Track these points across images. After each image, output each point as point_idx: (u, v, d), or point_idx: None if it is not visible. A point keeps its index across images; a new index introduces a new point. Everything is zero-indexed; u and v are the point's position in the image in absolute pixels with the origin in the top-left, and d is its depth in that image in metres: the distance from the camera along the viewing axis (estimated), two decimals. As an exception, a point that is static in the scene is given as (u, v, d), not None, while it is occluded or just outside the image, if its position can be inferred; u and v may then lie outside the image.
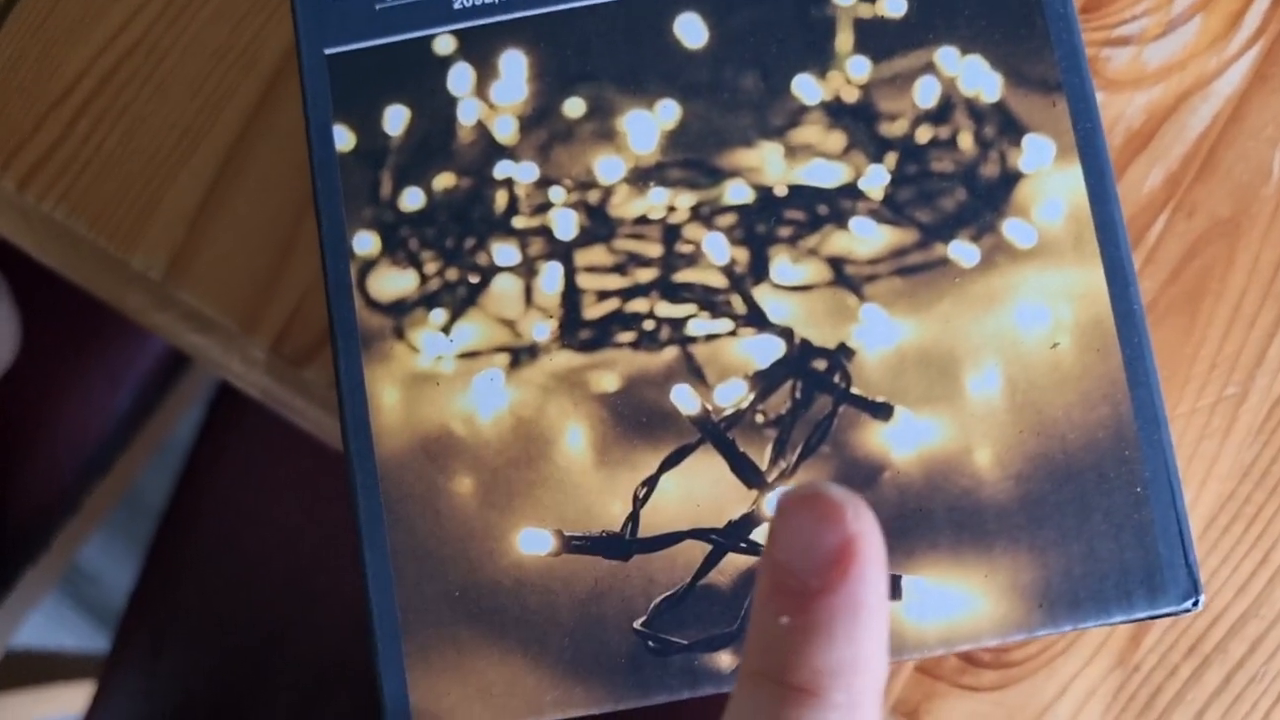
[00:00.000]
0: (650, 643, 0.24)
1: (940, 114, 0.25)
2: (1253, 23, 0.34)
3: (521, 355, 0.25)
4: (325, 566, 0.58)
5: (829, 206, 0.25)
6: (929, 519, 0.24)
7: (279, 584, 0.58)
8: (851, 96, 0.25)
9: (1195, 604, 0.24)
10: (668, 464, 0.24)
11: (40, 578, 0.69)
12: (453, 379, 0.25)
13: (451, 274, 0.25)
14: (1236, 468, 0.33)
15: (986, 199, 0.25)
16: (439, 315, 0.25)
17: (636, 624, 0.24)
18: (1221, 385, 0.34)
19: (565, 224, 0.25)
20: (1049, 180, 0.25)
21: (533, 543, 0.24)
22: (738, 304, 0.25)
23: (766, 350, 0.25)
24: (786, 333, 0.25)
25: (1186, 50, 0.34)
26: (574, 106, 0.25)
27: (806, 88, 0.25)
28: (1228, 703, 0.33)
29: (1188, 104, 0.34)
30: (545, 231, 0.25)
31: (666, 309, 0.25)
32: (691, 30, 0.25)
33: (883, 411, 0.24)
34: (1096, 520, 0.24)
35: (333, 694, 0.58)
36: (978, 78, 0.25)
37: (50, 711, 0.76)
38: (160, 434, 0.73)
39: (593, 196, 0.25)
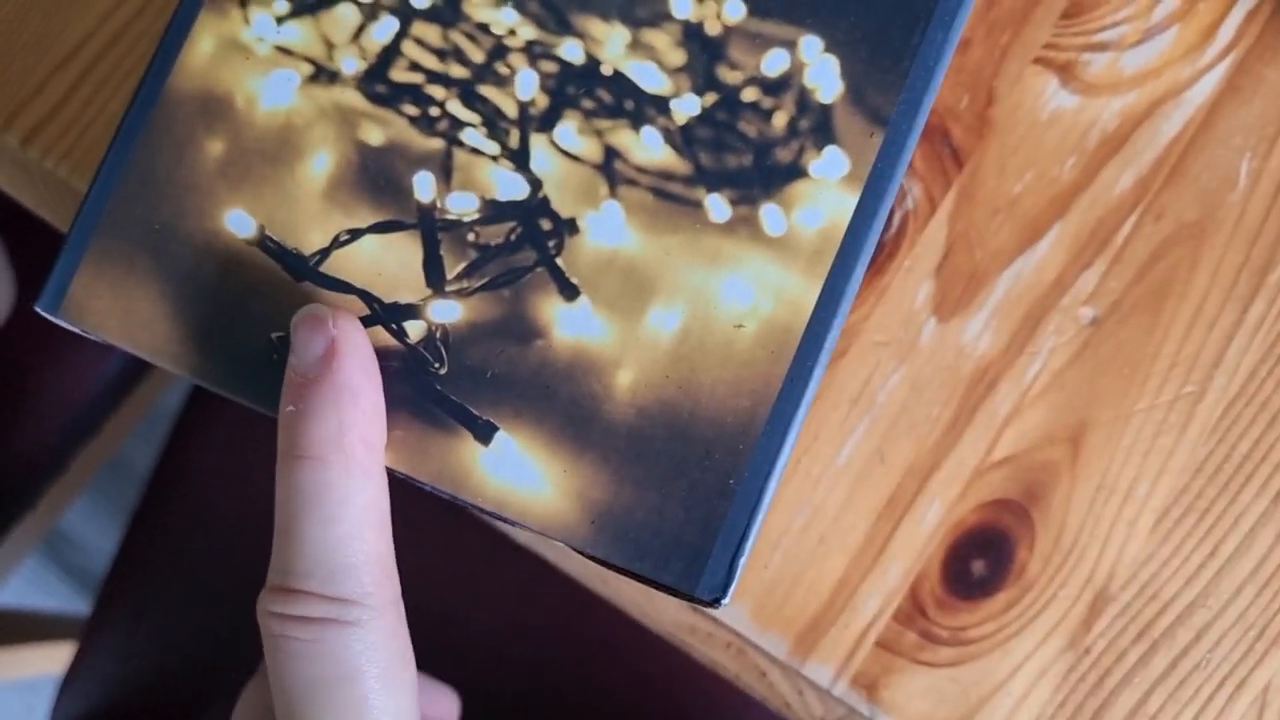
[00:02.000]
0: (275, 355, 0.26)
1: (773, 87, 0.26)
2: (1227, 35, 0.35)
3: (323, 75, 0.27)
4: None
5: (635, 104, 0.26)
6: (550, 398, 0.26)
7: (263, 548, 0.58)
8: (713, 29, 0.27)
9: (717, 602, 0.25)
10: (377, 228, 0.26)
11: (25, 536, 0.70)
12: (260, 61, 0.27)
13: (312, -20, 0.27)
14: (1191, 463, 0.34)
15: (764, 177, 0.26)
16: (281, 6, 0.27)
17: (274, 335, 0.26)
18: (1180, 383, 0.35)
19: (423, -6, 0.27)
20: (825, 192, 0.26)
21: (238, 223, 0.27)
22: (513, 138, 0.27)
23: (512, 187, 0.26)
24: (536, 183, 0.26)
25: (1162, 58, 0.35)
26: (492, -93, 0.27)
27: (681, 1, 0.27)
28: (1172, 687, 0.34)
29: (1161, 110, 0.35)
30: (404, -10, 0.27)
31: (456, 108, 0.27)
32: (625, -97, 0.27)
33: (570, 291, 0.26)
34: (681, 485, 0.25)
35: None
36: (824, 76, 0.26)
37: (31, 670, 0.78)
38: (150, 397, 0.74)
39: (458, -15, 0.27)
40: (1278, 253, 0.35)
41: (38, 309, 0.27)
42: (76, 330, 0.27)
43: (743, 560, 0.25)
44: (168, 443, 0.61)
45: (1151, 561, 0.34)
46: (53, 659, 0.77)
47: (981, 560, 0.35)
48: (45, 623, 0.81)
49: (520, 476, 0.26)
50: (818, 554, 0.35)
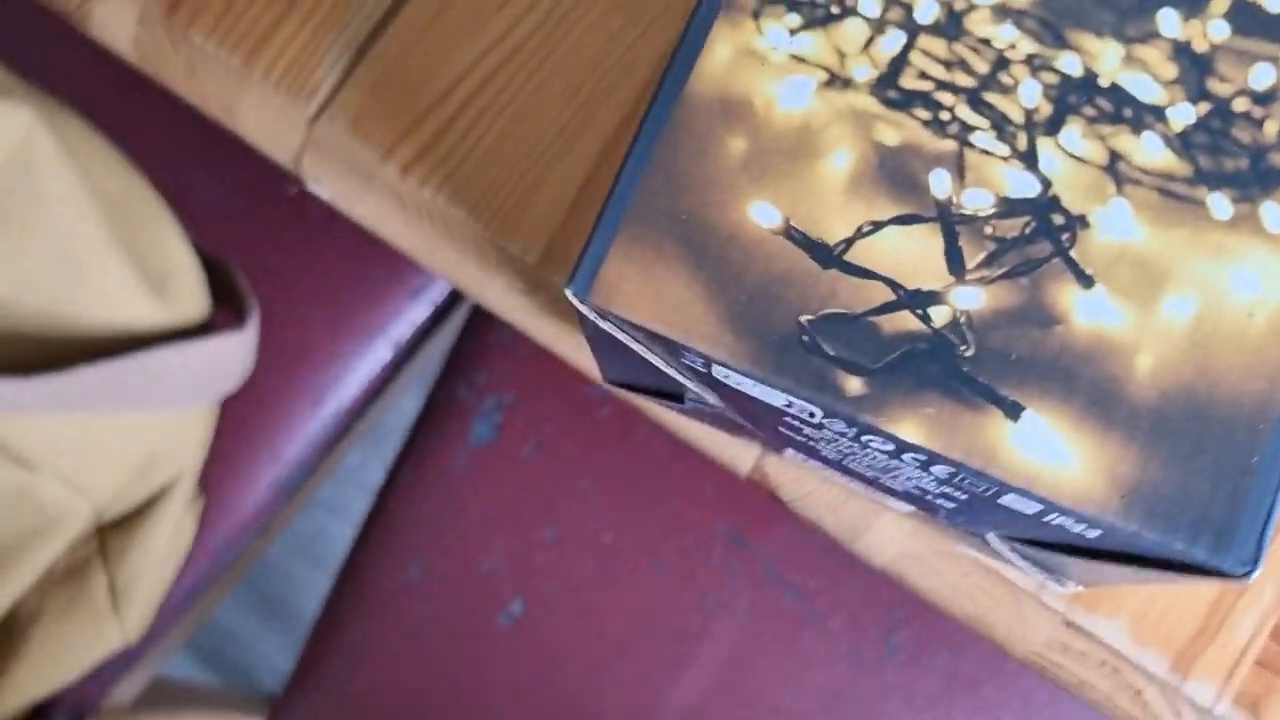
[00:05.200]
0: (805, 337, 0.27)
1: (1263, 98, 0.28)
2: None
3: (837, 81, 0.29)
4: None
5: (1134, 112, 0.28)
6: (1073, 380, 0.27)
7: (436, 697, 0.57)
8: (1201, 47, 0.29)
9: (1248, 574, 0.26)
10: (899, 220, 0.28)
11: (217, 595, 0.70)
12: (775, 68, 0.29)
13: (820, -3, 0.29)
14: None
15: (1261, 178, 0.28)
16: (794, 19, 0.29)
17: (803, 318, 0.28)
18: None
19: (926, 11, 0.29)
20: (1319, 194, 0.28)
21: (763, 214, 0.28)
22: (1021, 141, 0.28)
23: (1023, 185, 0.28)
24: (1046, 182, 0.28)
25: None
26: (983, -63, 0.30)
27: (1168, 20, 0.29)
28: None
29: None
30: (908, 8, 0.29)
31: (965, 113, 0.29)
32: (1104, -64, 0.29)
33: (1087, 281, 0.28)
34: (1204, 462, 0.27)
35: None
36: (1307, 90, 0.28)
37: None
38: (338, 459, 0.73)
39: (959, 3, 0.29)
40: None
41: (567, 292, 0.28)
42: (596, 317, 0.28)
43: (1269, 533, 0.26)
44: (341, 572, 0.60)
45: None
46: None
47: (1360, 577, 0.36)
48: (200, 695, 0.79)
49: (1048, 453, 0.27)
50: (1196, 571, 0.36)
